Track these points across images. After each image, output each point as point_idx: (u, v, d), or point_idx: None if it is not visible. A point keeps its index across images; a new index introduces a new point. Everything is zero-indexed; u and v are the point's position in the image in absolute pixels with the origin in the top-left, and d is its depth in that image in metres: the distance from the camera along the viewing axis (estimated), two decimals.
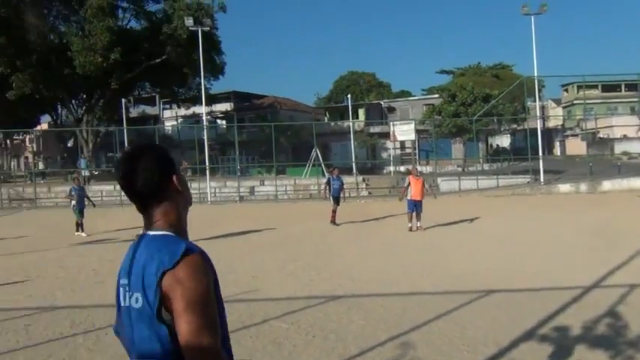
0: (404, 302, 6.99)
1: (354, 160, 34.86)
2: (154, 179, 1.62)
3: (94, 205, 16.18)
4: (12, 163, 63.04)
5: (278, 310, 6.58)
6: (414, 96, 61.17)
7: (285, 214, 20.23)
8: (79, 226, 15.27)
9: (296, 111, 56.07)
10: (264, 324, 6.04)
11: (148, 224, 1.66)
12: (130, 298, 1.58)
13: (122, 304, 1.63)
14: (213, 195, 29.10)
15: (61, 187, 32.66)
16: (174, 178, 1.67)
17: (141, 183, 1.61)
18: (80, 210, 15.25)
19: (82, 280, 8.96)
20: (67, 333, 5.89)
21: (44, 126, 55.65)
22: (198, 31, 29.03)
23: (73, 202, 15.27)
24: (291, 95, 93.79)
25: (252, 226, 15.49)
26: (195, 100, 44.35)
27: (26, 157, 66.42)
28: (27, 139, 68.07)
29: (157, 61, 36.53)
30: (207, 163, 29.80)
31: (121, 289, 1.64)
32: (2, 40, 32.53)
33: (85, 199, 15.65)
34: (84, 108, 42.12)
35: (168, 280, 1.49)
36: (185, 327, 1.45)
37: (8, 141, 57.51)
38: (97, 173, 36.67)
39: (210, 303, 1.51)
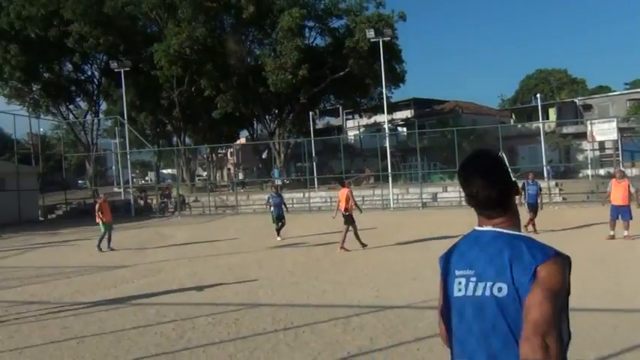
0: (615, 319, 6.30)
1: (544, 163, 32.47)
2: (507, 189, 1.82)
3: (287, 211, 17.17)
4: (217, 174, 70.76)
5: None
6: (615, 91, 54.92)
7: (470, 221, 19.55)
8: (278, 230, 16.13)
9: (479, 114, 53.96)
10: None
11: (488, 223, 1.82)
12: (485, 288, 1.71)
13: (466, 294, 1.76)
14: (395, 201, 29.38)
15: (257, 195, 35.80)
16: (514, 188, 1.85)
17: (497, 193, 1.79)
18: (277, 216, 16.24)
19: (279, 280, 9.69)
20: (270, 329, 6.42)
21: (242, 140, 61.60)
22: (379, 42, 29.68)
23: (272, 209, 16.36)
24: (473, 99, 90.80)
25: (436, 233, 15.28)
26: (377, 109, 45.33)
27: (228, 169, 74.14)
28: (228, 153, 75.94)
29: (341, 74, 38.20)
30: (389, 170, 30.22)
31: (463, 279, 1.78)
32: (209, 67, 36.89)
33: (283, 205, 16.59)
34: (276, 122, 45.71)
35: (538, 273, 1.63)
36: (537, 315, 1.57)
37: (213, 155, 64.76)
38: (287, 182, 39.35)
39: (561, 303, 1.65)
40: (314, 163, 37.01)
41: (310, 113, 40.33)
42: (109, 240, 15.63)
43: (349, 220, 13.21)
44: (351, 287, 8.79)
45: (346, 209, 13.27)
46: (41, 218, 33.24)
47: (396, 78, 41.63)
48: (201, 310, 7.49)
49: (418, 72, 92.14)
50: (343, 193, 13.72)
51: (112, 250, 15.35)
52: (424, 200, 29.14)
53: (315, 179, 36.00)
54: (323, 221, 23.42)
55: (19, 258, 15.27)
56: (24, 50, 36.59)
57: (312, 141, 36.82)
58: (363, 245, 13.25)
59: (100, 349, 5.82)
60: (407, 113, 56.28)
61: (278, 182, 34.82)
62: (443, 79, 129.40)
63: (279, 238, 15.95)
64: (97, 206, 16.15)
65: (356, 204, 13.80)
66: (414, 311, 7.05)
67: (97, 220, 15.66)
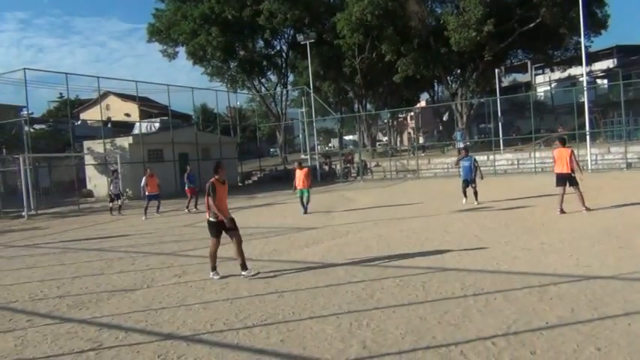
0: None
1: None
2: None
3: (481, 177, 16.17)
4: (397, 138, 70.97)
5: None
6: None
7: None
8: (475, 194, 15.62)
9: None
10: None
11: None
12: None
13: None
14: (594, 162, 26.63)
15: (438, 159, 35.23)
16: None
17: None
18: (465, 180, 15.71)
19: (465, 244, 9.43)
20: (458, 293, 6.30)
21: (422, 103, 60.71)
22: None
23: (460, 171, 15.81)
24: None
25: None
26: (572, 61, 41.11)
27: (409, 133, 73.89)
28: (408, 117, 75.54)
29: (530, 26, 35.13)
30: (587, 128, 27.38)
31: None
32: (390, 31, 36.70)
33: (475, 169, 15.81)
34: (458, 82, 44.06)
35: None
36: None
37: (394, 119, 64.91)
38: (469, 144, 37.93)
39: None
40: (499, 124, 35.03)
41: (496, 71, 37.98)
42: (307, 203, 16.51)
43: (574, 180, 12.45)
44: (546, 254, 8.21)
45: (572, 170, 12.42)
46: (240, 184, 36.78)
47: (597, 24, 37.05)
48: (389, 272, 7.64)
49: (623, 15, 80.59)
50: (565, 152, 12.65)
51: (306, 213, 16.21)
52: (629, 160, 25.98)
53: (501, 141, 34.14)
54: (510, 185, 22.24)
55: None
56: (223, 32, 40.14)
57: (498, 100, 34.79)
58: (563, 211, 12.34)
59: (298, 304, 6.27)
60: (608, 63, 50.12)
61: (460, 145, 33.73)
62: None
63: (476, 203, 15.37)
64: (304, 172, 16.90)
65: (578, 164, 12.76)
66: (622, 283, 6.35)
67: (300, 186, 16.57)
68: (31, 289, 8.04)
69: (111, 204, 20.73)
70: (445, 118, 52.64)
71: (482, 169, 16.44)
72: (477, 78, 40.64)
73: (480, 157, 29.35)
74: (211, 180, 8.07)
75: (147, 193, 19.12)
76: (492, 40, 34.79)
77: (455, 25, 33.49)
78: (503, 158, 31.38)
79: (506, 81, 54.48)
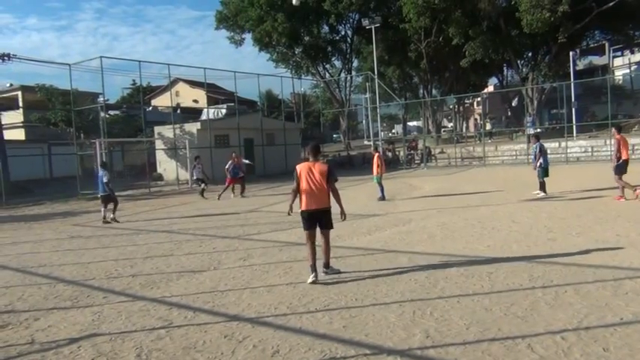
0: None
1: None
2: None
3: (534, 167, 15.41)
4: (463, 124, 69.32)
5: None
6: None
7: None
8: (543, 184, 14.79)
9: None
10: None
11: None
12: None
13: None
14: None
15: (506, 146, 34.14)
16: None
17: None
18: (544, 169, 14.82)
19: (534, 235, 9.12)
20: (526, 285, 6.11)
21: (490, 88, 58.84)
22: None
23: (540, 161, 14.77)
24: None
25: None
26: None
27: (475, 119, 72.00)
28: (475, 102, 73.55)
29: (610, 4, 33.15)
30: None
31: None
32: (458, 14, 35.69)
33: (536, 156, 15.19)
34: (529, 66, 42.38)
35: None
36: None
37: (460, 105, 63.38)
38: (539, 131, 36.51)
39: None
40: (573, 109, 33.43)
41: (570, 53, 36.15)
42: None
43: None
44: (621, 247, 7.80)
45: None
46: None
47: None
48: (453, 261, 7.51)
49: None
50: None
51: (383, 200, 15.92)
52: None
53: (574, 127, 32.62)
54: (583, 173, 21.24)
55: (288, 204, 17.30)
56: (288, 18, 40.41)
57: (572, 84, 33.18)
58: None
59: (360, 290, 6.28)
60: None
61: (530, 131, 32.52)
62: None
63: (541, 194, 14.64)
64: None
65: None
66: None
67: (377, 172, 16.39)
68: (107, 268, 8.48)
69: (203, 185, 21.15)
70: (514, 103, 50.84)
71: (553, 156, 15.78)
72: (549, 61, 38.91)
73: (551, 145, 28.28)
74: (306, 163, 7.03)
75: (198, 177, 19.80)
76: (567, 21, 33.10)
77: (527, 5, 32.06)
78: (576, 145, 30.02)
79: (581, 64, 51.79)
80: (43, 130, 38.25)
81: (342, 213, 7.07)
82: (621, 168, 12.67)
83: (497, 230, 9.85)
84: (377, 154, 16.79)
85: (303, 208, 6.85)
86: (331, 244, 7.22)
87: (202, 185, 20.99)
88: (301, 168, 6.93)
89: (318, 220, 6.87)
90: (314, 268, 6.75)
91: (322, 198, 6.86)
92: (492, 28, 36.66)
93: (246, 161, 22.93)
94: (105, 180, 14.85)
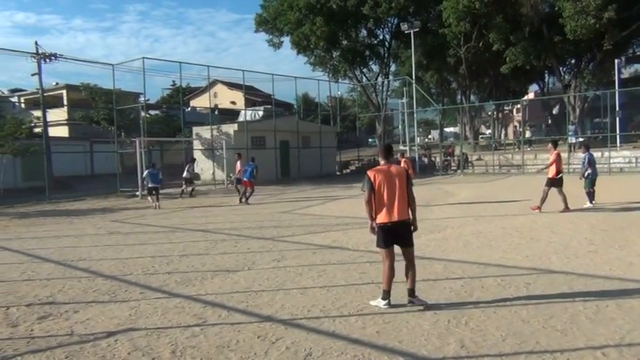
0: None
1: None
2: None
3: (580, 177, 14.98)
4: (501, 131, 68.11)
5: None
6: None
7: None
8: (590, 195, 14.30)
9: None
10: None
11: None
12: None
13: None
14: None
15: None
16: None
17: None
18: (592, 180, 14.33)
19: (574, 247, 8.88)
20: (566, 298, 5.94)
21: (531, 95, 57.65)
22: None
23: (588, 171, 14.33)
24: None
25: None
26: None
27: (514, 126, 70.67)
28: (514, 109, 72.18)
29: None
30: None
31: None
32: (499, 19, 35.14)
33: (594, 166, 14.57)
34: (572, 73, 41.37)
35: None
36: None
37: (498, 112, 62.30)
38: (581, 140, 35.55)
39: None
40: (617, 118, 32.43)
41: (615, 61, 35.11)
42: None
43: None
44: None
45: None
46: (338, 173, 37.11)
47: None
48: (489, 271, 7.38)
49: None
50: None
51: None
52: None
53: (617, 136, 31.65)
54: (626, 185, 20.61)
55: (322, 207, 17.36)
56: (327, 21, 40.48)
57: (617, 92, 32.21)
58: None
59: (394, 296, 6.20)
60: None
61: (572, 140, 31.73)
62: None
63: (588, 204, 14.18)
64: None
65: None
66: None
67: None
68: (144, 264, 8.65)
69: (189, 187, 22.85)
70: (555, 111, 49.70)
71: (595, 166, 15.25)
72: (593, 69, 37.88)
73: (594, 154, 27.43)
74: (381, 167, 5.97)
75: (236, 177, 20.00)
76: (613, 28, 32.18)
77: (571, 11, 31.32)
78: (620, 155, 29.13)
79: (627, 72, 50.20)
80: (85, 127, 39.35)
81: (414, 223, 5.97)
82: (559, 182, 13.47)
83: (536, 240, 9.62)
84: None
85: (385, 220, 5.75)
86: (366, 249, 7.14)
87: (188, 187, 22.48)
88: (376, 173, 5.84)
89: (399, 235, 5.81)
90: (389, 294, 5.82)
91: (403, 207, 5.78)
92: (534, 34, 35.94)
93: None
94: (160, 176, 19.62)
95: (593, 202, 14.37)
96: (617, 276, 6.86)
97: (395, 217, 5.72)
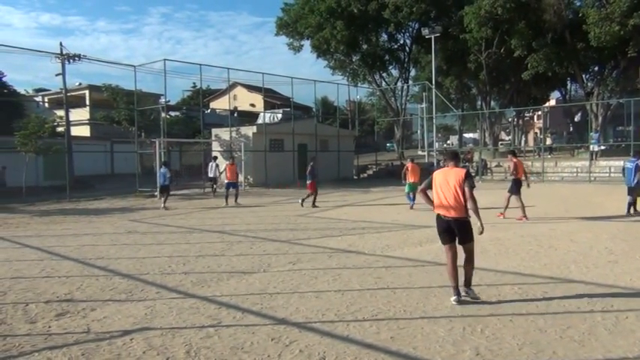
0: None
1: None
2: None
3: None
4: (522, 138, 67.37)
5: None
6: None
7: None
8: (630, 204, 13.95)
9: None
10: None
11: None
12: None
13: None
14: None
15: (567, 162, 32.93)
16: None
17: None
18: (628, 187, 13.98)
19: (594, 256, 8.74)
20: (584, 308, 5.85)
21: (552, 102, 56.94)
22: None
23: (638, 178, 13.70)
24: None
25: None
26: None
27: (535, 133, 69.84)
28: (535, 116, 71.35)
29: None
30: None
31: None
32: (521, 25, 34.83)
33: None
34: (595, 81, 40.84)
35: None
36: None
37: (519, 118, 61.62)
38: (603, 148, 35.01)
39: None
40: None
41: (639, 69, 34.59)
42: (413, 198, 16.80)
43: None
44: None
45: None
46: (355, 177, 37.03)
47: None
48: (506, 279, 7.31)
49: None
50: None
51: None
52: None
53: None
54: None
55: (338, 211, 17.34)
56: (347, 25, 40.53)
57: None
58: None
59: (410, 302, 6.19)
60: None
61: (595, 148, 31.27)
62: None
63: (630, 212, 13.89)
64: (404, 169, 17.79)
65: None
66: None
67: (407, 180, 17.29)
68: (161, 264, 8.72)
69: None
70: (577, 118, 49.02)
71: (618, 175, 15.02)
72: (617, 76, 37.36)
73: (615, 163, 27.06)
74: (443, 169, 6.58)
75: (226, 181, 20.21)
76: (638, 35, 31.70)
77: (596, 18, 30.93)
78: None
79: None
80: (107, 127, 39.86)
81: (480, 225, 6.19)
82: (518, 187, 14.21)
83: (555, 249, 9.49)
84: (411, 164, 17.65)
85: (440, 212, 6.32)
86: (382, 254, 7.12)
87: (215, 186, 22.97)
88: (437, 174, 6.46)
89: (454, 232, 6.23)
90: (456, 289, 6.11)
91: (456, 207, 6.17)
92: (557, 41, 35.58)
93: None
94: (168, 175, 19.34)
95: (632, 210, 13.93)
96: (637, 287, 6.73)
97: (447, 214, 6.22)
